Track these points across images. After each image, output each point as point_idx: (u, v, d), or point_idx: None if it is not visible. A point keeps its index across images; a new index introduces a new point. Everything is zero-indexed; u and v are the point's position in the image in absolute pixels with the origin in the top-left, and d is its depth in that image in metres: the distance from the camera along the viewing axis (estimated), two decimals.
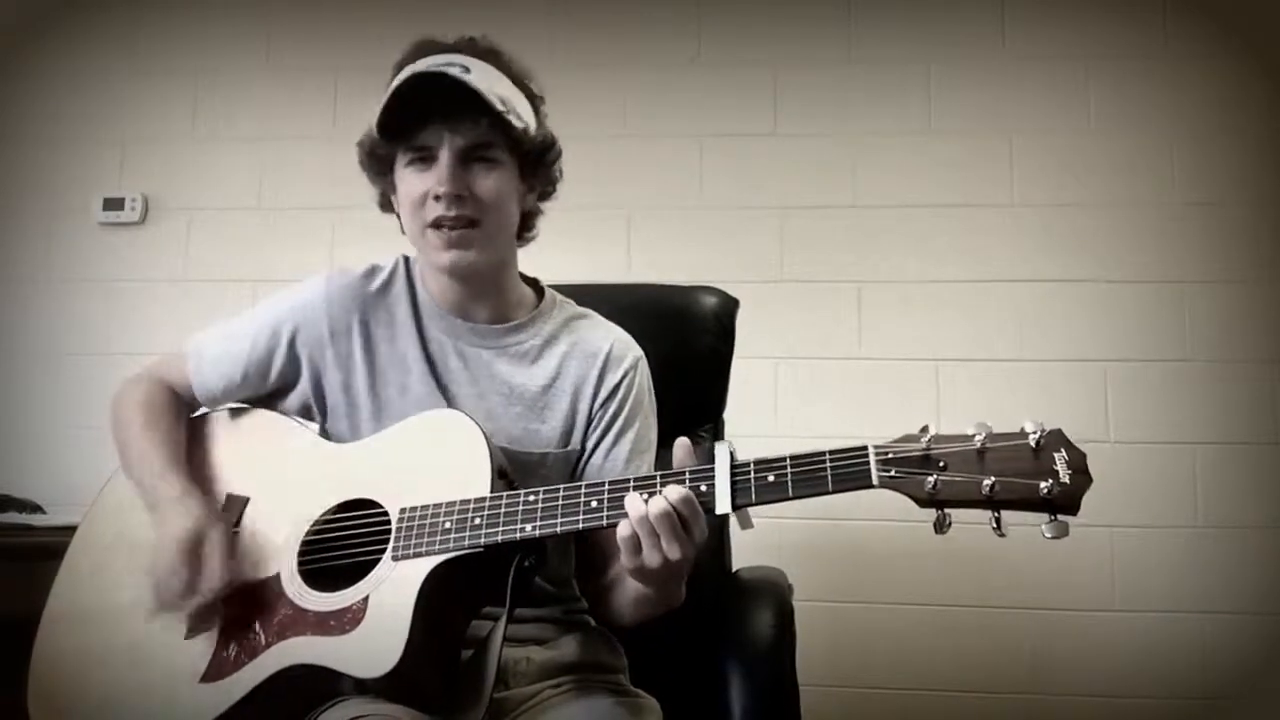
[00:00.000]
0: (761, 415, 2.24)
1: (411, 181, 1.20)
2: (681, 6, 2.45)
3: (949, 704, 2.14)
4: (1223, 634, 2.11)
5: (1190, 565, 2.14)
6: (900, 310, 2.29)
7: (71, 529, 1.28)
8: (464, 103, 1.15)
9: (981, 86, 2.35)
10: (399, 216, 1.28)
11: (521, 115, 1.20)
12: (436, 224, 1.18)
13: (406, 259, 1.32)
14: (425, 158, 1.18)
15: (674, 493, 0.96)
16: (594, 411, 1.26)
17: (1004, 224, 2.30)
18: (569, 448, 1.25)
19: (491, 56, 1.21)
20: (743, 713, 1.27)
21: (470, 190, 1.18)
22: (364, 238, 2.35)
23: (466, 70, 1.16)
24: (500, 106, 1.16)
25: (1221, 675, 2.08)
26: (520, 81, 1.23)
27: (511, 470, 1.12)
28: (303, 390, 1.27)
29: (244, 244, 2.47)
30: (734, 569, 1.59)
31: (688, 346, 1.62)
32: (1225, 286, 2.22)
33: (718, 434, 1.68)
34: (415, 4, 2.49)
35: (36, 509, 2.00)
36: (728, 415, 1.71)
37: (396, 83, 1.16)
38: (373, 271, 1.30)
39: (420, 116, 1.17)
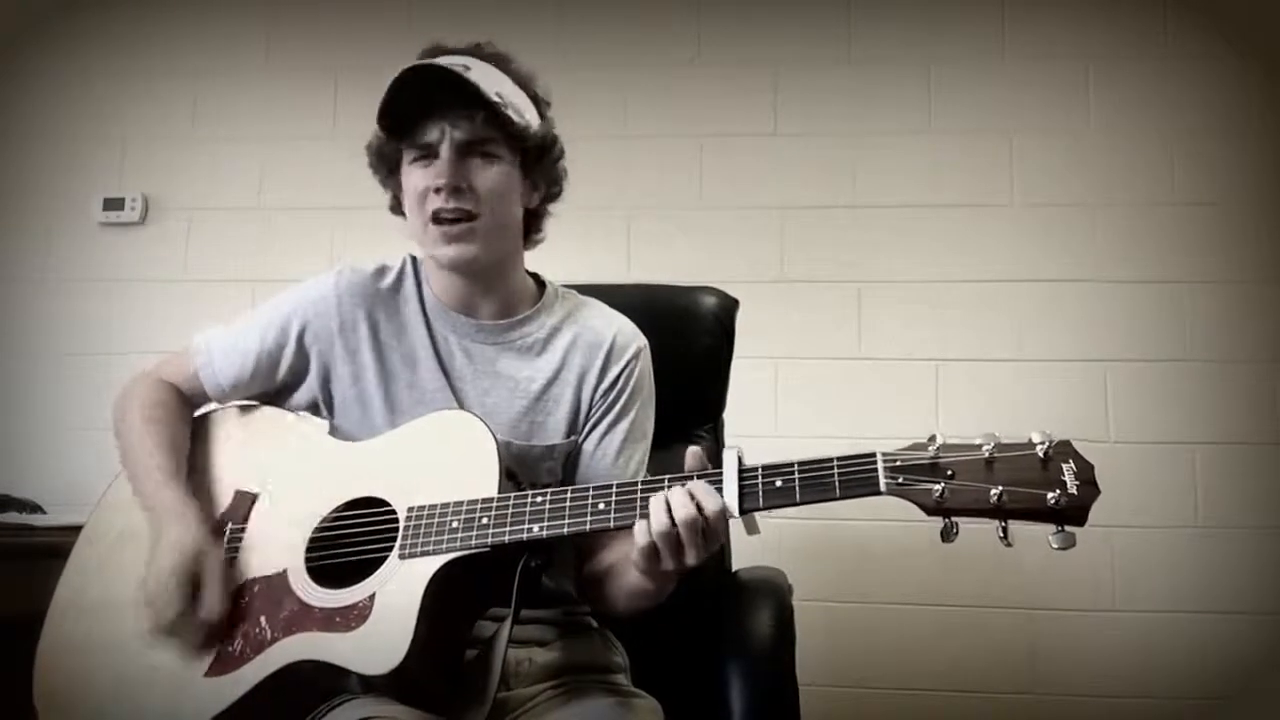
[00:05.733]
0: (761, 415, 2.24)
1: (415, 178, 1.22)
2: (681, 7, 2.45)
3: (949, 704, 2.14)
4: (1223, 634, 2.10)
5: (1190, 565, 2.14)
6: (900, 310, 2.28)
7: (71, 529, 1.28)
8: (460, 97, 1.17)
9: (981, 86, 2.35)
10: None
11: (521, 112, 1.22)
12: (437, 218, 1.20)
13: (414, 259, 1.33)
14: (428, 155, 1.21)
15: (710, 502, 0.96)
16: (595, 401, 1.27)
17: (1004, 224, 2.29)
18: (573, 438, 1.26)
19: (496, 59, 1.23)
20: (743, 713, 1.27)
21: (469, 183, 1.20)
22: (364, 238, 2.37)
23: (466, 68, 1.18)
24: (495, 99, 1.18)
25: (1221, 675, 2.08)
26: (524, 84, 1.26)
27: (520, 471, 1.12)
28: (310, 386, 1.28)
29: (244, 244, 2.47)
30: (734, 569, 1.59)
31: (687, 347, 1.62)
32: (1225, 286, 2.22)
33: (718, 434, 1.68)
34: (415, 5, 2.49)
35: (36, 509, 2.00)
36: (728, 415, 1.71)
37: (395, 77, 1.17)
38: (383, 270, 1.32)
39: (420, 112, 1.19)
